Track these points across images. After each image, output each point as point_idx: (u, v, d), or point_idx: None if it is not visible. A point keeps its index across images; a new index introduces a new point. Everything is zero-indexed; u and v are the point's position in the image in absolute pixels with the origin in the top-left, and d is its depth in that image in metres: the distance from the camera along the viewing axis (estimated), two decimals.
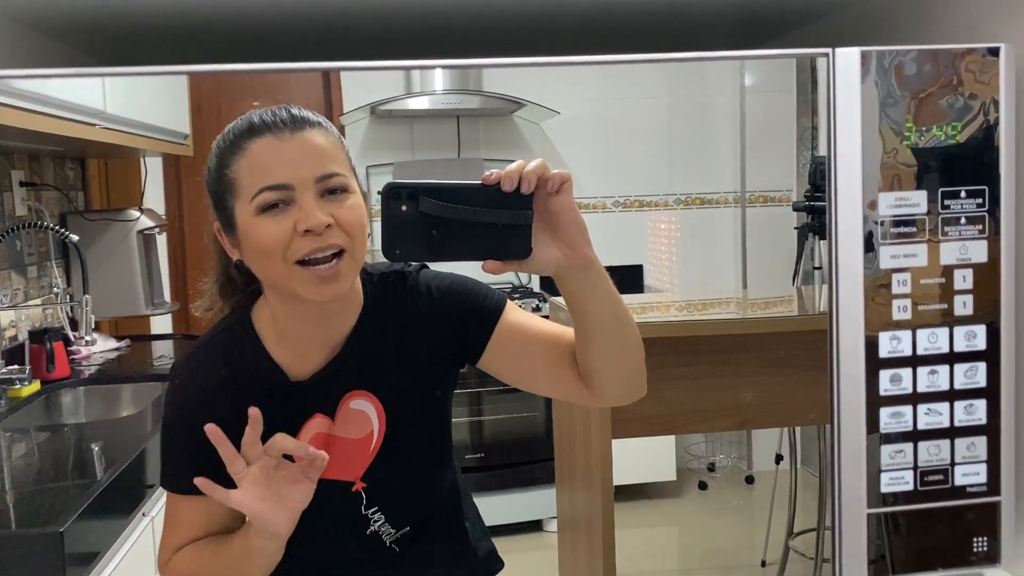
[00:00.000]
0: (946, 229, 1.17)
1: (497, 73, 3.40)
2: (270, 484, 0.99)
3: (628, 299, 1.03)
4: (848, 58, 1.13)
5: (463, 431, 3.39)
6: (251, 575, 1.07)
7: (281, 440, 0.99)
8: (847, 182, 1.13)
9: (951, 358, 1.18)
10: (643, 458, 3.43)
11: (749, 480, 3.60)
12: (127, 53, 1.80)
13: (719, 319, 2.20)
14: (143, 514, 1.66)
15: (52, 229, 2.33)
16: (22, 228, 2.30)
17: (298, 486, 1.00)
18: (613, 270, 0.99)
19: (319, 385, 1.09)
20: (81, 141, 2.09)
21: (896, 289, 1.16)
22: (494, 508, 3.23)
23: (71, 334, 2.50)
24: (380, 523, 1.14)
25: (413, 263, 1.14)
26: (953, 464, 1.19)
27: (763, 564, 2.86)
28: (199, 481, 0.99)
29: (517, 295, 3.43)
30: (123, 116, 2.18)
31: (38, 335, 2.26)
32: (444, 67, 3.14)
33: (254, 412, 0.98)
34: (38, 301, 2.49)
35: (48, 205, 2.56)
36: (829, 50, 1.13)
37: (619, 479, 1.93)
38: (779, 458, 2.89)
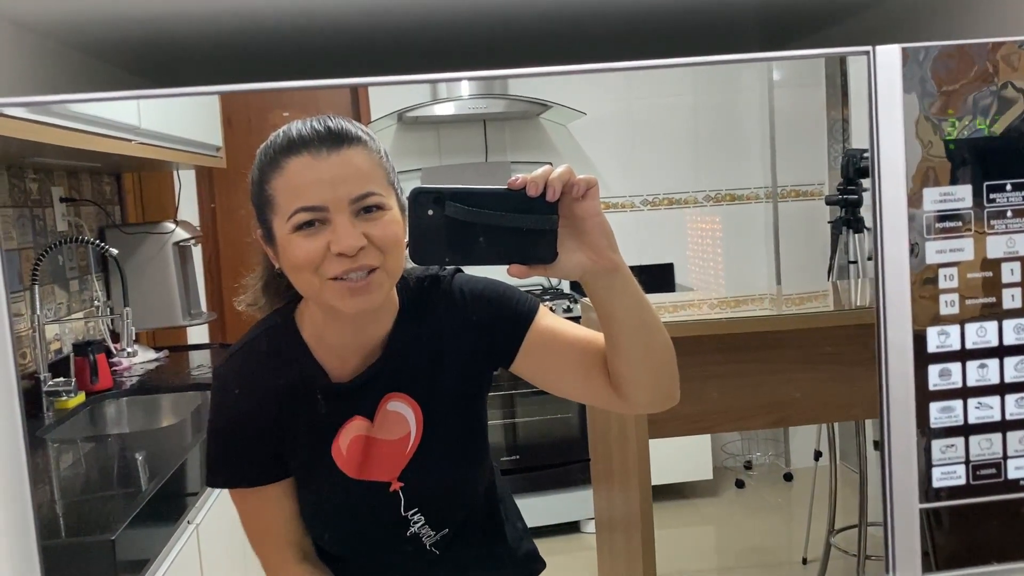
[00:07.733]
0: (992, 223, 1.16)
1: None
2: None
3: (660, 298, 1.03)
4: (889, 56, 1.13)
5: (497, 434, 3.40)
6: None
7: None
8: (891, 180, 1.13)
9: (1000, 352, 1.17)
10: (679, 457, 3.41)
11: (787, 477, 3.58)
12: (161, 68, 1.82)
13: (753, 316, 2.18)
14: (188, 522, 1.69)
15: (92, 243, 2.36)
16: (63, 243, 2.34)
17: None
18: (643, 269, 0.98)
19: (359, 387, 1.11)
20: (117, 156, 2.12)
21: (943, 284, 1.15)
22: (530, 510, 3.20)
23: (112, 346, 2.53)
24: (420, 524, 1.15)
25: (448, 267, 1.14)
26: (1005, 457, 1.18)
27: (804, 562, 2.84)
28: None
29: (547, 297, 3.43)
30: (157, 131, 2.21)
31: (82, 348, 2.30)
32: (469, 79, 3.16)
33: None
34: (80, 314, 2.52)
35: (87, 220, 2.59)
36: (869, 48, 1.13)
37: (655, 479, 1.92)
38: (818, 455, 2.86)
